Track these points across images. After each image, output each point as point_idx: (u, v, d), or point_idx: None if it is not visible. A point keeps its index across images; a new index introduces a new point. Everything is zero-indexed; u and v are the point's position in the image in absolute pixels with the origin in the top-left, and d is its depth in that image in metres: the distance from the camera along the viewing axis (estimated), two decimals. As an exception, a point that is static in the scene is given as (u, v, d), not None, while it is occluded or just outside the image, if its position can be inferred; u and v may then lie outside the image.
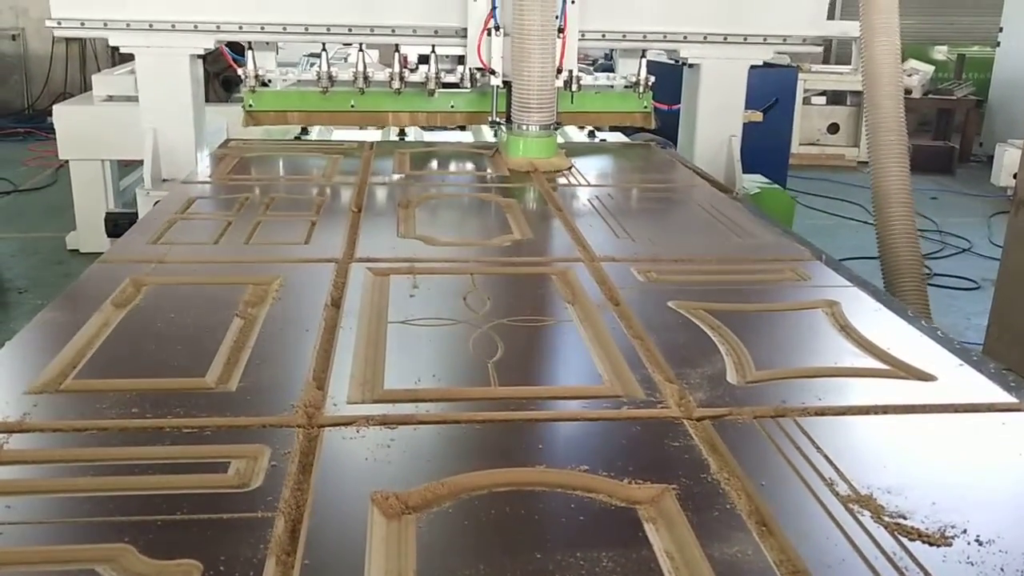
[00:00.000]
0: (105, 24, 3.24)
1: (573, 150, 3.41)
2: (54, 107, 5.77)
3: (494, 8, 3.23)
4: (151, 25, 3.24)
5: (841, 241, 6.26)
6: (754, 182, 3.68)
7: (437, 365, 1.53)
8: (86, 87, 9.90)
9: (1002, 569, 1.01)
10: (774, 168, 5.28)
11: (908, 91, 9.79)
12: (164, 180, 3.35)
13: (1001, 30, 9.83)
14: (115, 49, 10.34)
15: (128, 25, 3.24)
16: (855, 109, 9.46)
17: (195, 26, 3.25)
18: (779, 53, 3.78)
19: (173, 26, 3.25)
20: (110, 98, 5.94)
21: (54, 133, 5.75)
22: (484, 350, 1.56)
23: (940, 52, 11.31)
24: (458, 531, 1.07)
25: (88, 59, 10.87)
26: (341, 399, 1.37)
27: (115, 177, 5.95)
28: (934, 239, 6.72)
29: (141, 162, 6.50)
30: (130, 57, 7.35)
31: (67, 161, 5.85)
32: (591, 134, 4.19)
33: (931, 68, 10.31)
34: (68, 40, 10.78)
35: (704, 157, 3.61)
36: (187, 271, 1.95)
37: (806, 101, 9.48)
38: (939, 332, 1.72)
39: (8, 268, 5.56)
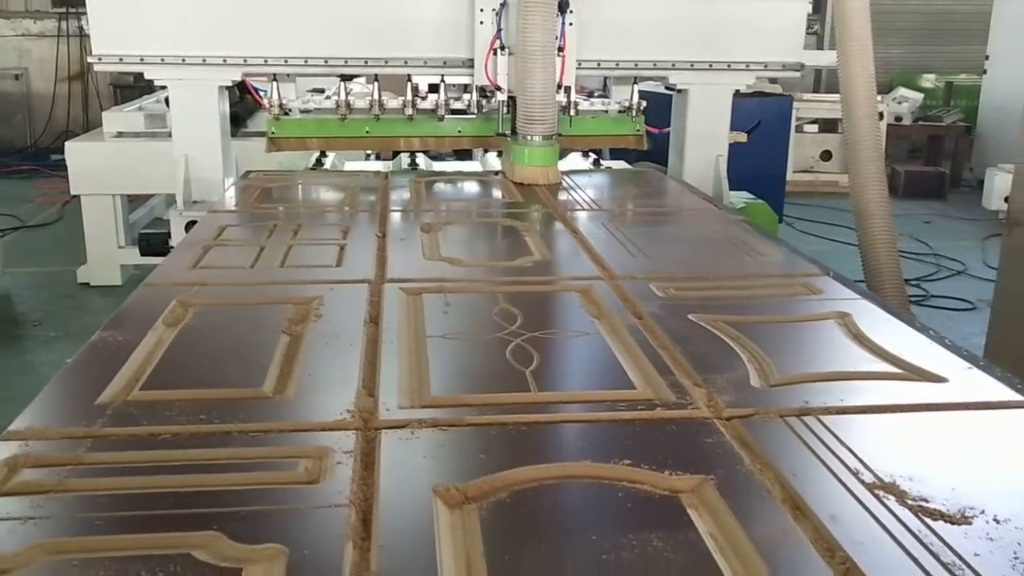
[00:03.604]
0: (142, 59, 3.41)
1: (580, 175, 3.53)
2: (66, 144, 5.89)
3: (499, 30, 3.43)
4: (183, 60, 3.42)
5: (836, 265, 6.36)
6: (740, 198, 3.86)
7: (478, 374, 1.63)
8: (89, 126, 10.04)
9: (1019, 543, 1.10)
10: (770, 195, 5.39)
11: (899, 118, 9.98)
12: (195, 202, 3.50)
13: (987, 58, 10.05)
14: (117, 88, 10.32)
15: (163, 60, 3.41)
16: (847, 137, 9.60)
17: (224, 60, 3.43)
18: (760, 79, 3.97)
19: (204, 60, 3.43)
20: (120, 135, 6.06)
21: (59, 170, 5.86)
22: (521, 360, 1.66)
23: (928, 80, 11.53)
24: (517, 518, 1.16)
25: (91, 98, 11.01)
26: (393, 405, 1.46)
27: (125, 212, 6.05)
28: (929, 262, 6.84)
29: (150, 197, 6.64)
30: (133, 96, 7.40)
31: (74, 197, 5.96)
32: (595, 163, 4.32)
33: (920, 96, 10.50)
34: (71, 79, 10.95)
35: (693, 175, 3.80)
36: (230, 293, 2.04)
37: (798, 129, 9.64)
38: (947, 340, 1.81)
39: (21, 301, 5.64)
